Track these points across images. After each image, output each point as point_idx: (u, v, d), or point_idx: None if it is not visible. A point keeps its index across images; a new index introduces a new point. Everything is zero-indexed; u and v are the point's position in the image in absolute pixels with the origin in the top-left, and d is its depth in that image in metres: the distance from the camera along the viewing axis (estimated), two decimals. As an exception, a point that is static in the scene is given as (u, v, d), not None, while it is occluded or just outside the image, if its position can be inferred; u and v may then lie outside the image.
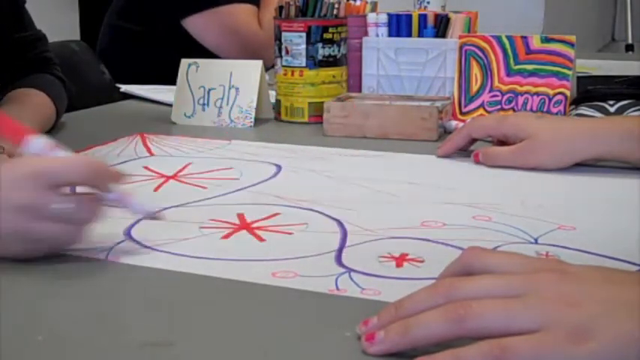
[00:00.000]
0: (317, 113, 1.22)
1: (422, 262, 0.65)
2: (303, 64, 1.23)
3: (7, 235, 0.62)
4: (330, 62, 1.24)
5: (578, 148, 0.90)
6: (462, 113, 1.20)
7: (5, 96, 1.17)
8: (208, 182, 0.90)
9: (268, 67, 1.39)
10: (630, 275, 0.50)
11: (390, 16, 1.32)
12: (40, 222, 0.62)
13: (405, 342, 0.48)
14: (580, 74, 1.30)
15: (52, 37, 1.35)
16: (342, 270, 0.63)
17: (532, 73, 1.17)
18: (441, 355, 0.46)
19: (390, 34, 1.31)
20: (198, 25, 1.75)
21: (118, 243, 0.69)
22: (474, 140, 1.01)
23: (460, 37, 1.23)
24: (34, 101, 1.18)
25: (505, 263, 0.51)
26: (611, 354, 0.43)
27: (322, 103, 1.17)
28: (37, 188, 0.62)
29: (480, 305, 0.46)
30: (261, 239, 0.70)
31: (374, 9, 1.47)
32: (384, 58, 1.30)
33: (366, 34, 1.32)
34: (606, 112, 1.06)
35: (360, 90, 1.32)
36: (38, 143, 0.66)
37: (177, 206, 0.80)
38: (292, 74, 1.24)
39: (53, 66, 1.29)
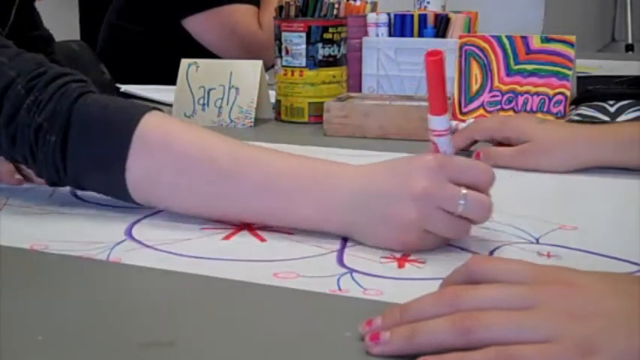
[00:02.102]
0: (317, 113, 1.22)
1: (423, 262, 0.64)
2: (303, 64, 1.23)
3: (406, 222, 0.64)
4: (330, 62, 1.23)
5: (579, 154, 0.91)
6: (462, 113, 1.20)
7: None
8: (209, 182, 0.90)
9: (268, 67, 1.38)
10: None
11: (390, 16, 1.32)
12: (439, 213, 0.63)
13: (410, 347, 0.47)
14: (580, 74, 1.30)
15: (52, 37, 1.36)
16: (344, 270, 0.63)
17: (532, 73, 1.17)
18: (447, 356, 0.46)
19: (390, 34, 1.31)
20: (198, 25, 1.75)
21: (119, 243, 0.69)
22: (475, 141, 1.01)
23: (460, 37, 1.22)
24: None
25: (512, 272, 0.50)
26: None
27: (322, 103, 1.17)
28: (439, 179, 0.63)
29: (487, 317, 0.46)
30: (262, 239, 0.70)
31: (374, 9, 1.47)
32: (384, 58, 1.30)
33: (366, 34, 1.32)
34: (606, 112, 1.06)
35: (360, 90, 1.32)
36: (442, 121, 0.66)
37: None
38: (292, 74, 1.24)
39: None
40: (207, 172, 0.69)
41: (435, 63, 0.63)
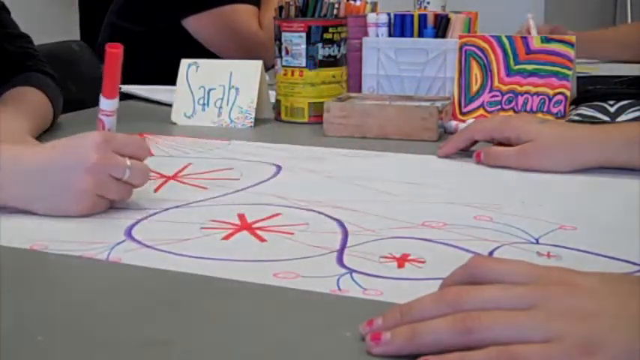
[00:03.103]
0: (317, 113, 1.22)
1: (423, 262, 0.64)
2: (303, 64, 1.23)
3: (83, 191, 0.73)
4: (330, 62, 1.23)
5: (579, 154, 0.91)
6: (462, 113, 1.20)
7: (2, 95, 1.17)
8: (209, 182, 0.90)
9: (268, 67, 1.38)
10: None
11: (390, 16, 1.32)
12: (109, 180, 0.74)
13: (411, 347, 0.48)
14: (580, 74, 1.30)
15: (52, 37, 1.35)
16: (344, 270, 0.63)
17: (532, 73, 1.17)
18: (448, 356, 0.46)
19: (390, 35, 1.31)
20: (198, 25, 1.75)
21: (119, 243, 0.69)
22: (475, 142, 1.01)
23: (460, 37, 1.22)
24: (32, 101, 1.17)
25: (512, 273, 0.50)
26: None
27: (322, 103, 1.17)
28: (107, 152, 0.73)
29: (489, 317, 0.46)
30: (262, 239, 0.70)
31: (374, 9, 1.47)
32: (384, 58, 1.30)
33: (366, 34, 1.32)
34: (606, 112, 1.06)
35: (360, 90, 1.32)
36: (111, 103, 0.78)
37: (177, 207, 0.80)
38: (292, 74, 1.24)
39: (39, 62, 1.28)
40: None
41: (113, 55, 0.75)
